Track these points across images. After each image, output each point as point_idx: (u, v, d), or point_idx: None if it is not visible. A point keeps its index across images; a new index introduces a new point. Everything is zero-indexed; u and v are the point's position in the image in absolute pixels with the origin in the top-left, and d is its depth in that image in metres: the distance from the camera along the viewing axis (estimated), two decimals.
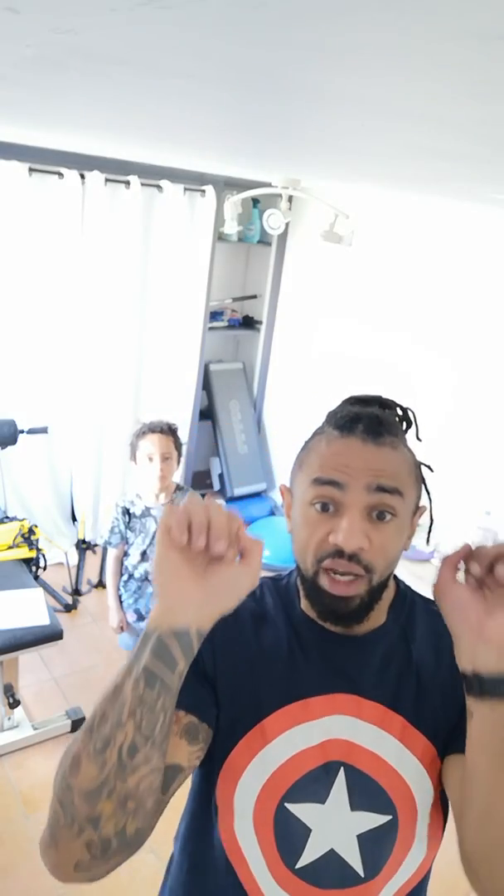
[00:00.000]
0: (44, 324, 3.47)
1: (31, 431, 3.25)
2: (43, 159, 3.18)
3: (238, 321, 4.46)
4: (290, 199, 3.39)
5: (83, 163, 3.27)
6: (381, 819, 0.85)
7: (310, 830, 0.85)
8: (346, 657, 0.87)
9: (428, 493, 0.90)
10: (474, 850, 0.75)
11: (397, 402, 0.89)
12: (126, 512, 2.41)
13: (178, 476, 4.38)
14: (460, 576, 0.79)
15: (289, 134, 1.33)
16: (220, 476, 4.49)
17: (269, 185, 2.94)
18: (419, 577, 2.50)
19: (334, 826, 0.85)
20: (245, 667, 0.87)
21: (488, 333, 3.19)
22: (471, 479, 3.32)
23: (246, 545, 0.72)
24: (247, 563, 0.72)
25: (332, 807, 0.85)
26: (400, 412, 0.90)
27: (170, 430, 2.35)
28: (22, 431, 3.13)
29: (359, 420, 0.82)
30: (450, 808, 0.89)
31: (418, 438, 0.89)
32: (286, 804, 0.84)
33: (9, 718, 2.55)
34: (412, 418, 0.90)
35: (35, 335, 3.47)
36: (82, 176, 3.30)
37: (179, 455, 2.39)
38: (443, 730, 0.87)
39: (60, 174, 3.24)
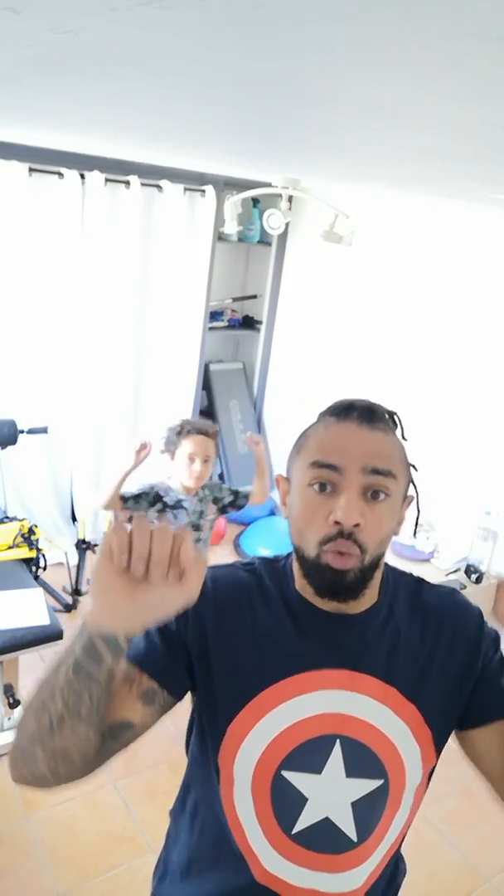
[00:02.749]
0: (44, 324, 3.47)
1: (31, 431, 3.25)
2: (43, 159, 3.18)
3: (238, 321, 4.46)
4: (290, 199, 3.39)
5: (83, 163, 3.27)
6: (373, 784, 0.90)
7: (306, 799, 0.89)
8: (340, 634, 0.90)
9: (415, 487, 0.94)
10: None
11: (382, 406, 0.93)
12: (159, 498, 2.37)
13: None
14: None
15: (288, 134, 1.33)
16: (220, 476, 4.49)
17: (269, 185, 2.94)
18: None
19: (330, 795, 0.90)
20: (243, 641, 0.90)
21: (488, 333, 3.20)
22: (471, 479, 3.33)
23: (186, 566, 0.73)
24: (185, 584, 0.74)
25: (327, 776, 0.89)
26: (386, 416, 0.93)
27: (213, 434, 2.39)
28: (22, 431, 3.13)
29: (353, 407, 0.88)
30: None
31: (404, 438, 0.93)
32: (283, 772, 0.89)
33: (9, 718, 2.55)
34: (398, 422, 0.94)
35: (35, 335, 3.47)
36: (82, 176, 3.30)
37: (216, 457, 2.44)
38: (431, 700, 0.91)
39: (60, 174, 3.24)
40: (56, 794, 2.35)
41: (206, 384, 4.33)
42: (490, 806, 2.63)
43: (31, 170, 3.16)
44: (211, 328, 4.15)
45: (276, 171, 2.65)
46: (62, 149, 3.15)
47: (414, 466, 0.93)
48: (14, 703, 2.50)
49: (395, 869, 1.02)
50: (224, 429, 4.41)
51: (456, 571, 3.28)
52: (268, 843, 0.91)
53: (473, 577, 3.22)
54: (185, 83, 0.89)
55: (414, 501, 0.95)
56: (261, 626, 0.91)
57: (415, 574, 1.01)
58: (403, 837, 1.00)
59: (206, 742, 0.93)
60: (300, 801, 0.89)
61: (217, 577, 0.94)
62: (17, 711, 2.58)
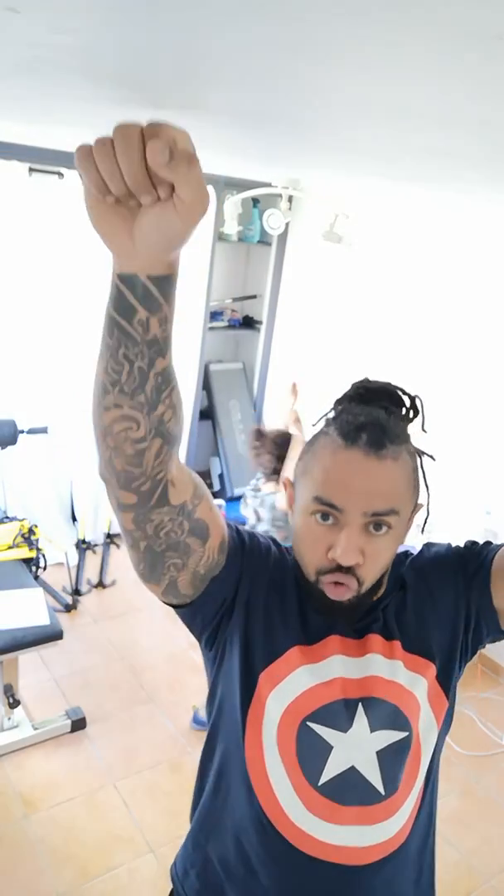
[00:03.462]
0: (44, 324, 3.47)
1: (31, 431, 3.25)
2: (43, 159, 3.18)
3: (238, 321, 4.46)
4: (290, 199, 3.39)
5: None
6: (399, 735, 0.92)
7: (331, 748, 0.91)
8: (350, 616, 0.94)
9: (427, 487, 0.95)
10: None
11: (405, 390, 0.93)
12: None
13: None
14: None
15: (288, 134, 1.33)
16: (220, 476, 4.49)
17: (269, 185, 2.94)
18: None
19: (355, 745, 0.91)
20: (273, 604, 0.95)
21: (489, 333, 3.20)
22: (471, 479, 3.32)
23: (165, 174, 0.57)
24: (180, 196, 0.59)
25: (353, 733, 0.91)
26: (408, 401, 0.94)
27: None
28: (22, 431, 3.13)
29: (363, 429, 0.85)
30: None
31: (424, 430, 0.94)
32: (308, 723, 0.91)
33: (9, 718, 2.55)
34: (419, 408, 0.94)
35: (35, 335, 3.47)
36: (82, 176, 3.29)
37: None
38: (440, 648, 0.96)
39: (60, 174, 3.24)
40: (56, 794, 2.36)
41: (206, 384, 4.33)
42: (490, 806, 2.64)
43: (31, 170, 3.17)
44: (211, 328, 4.15)
45: (275, 169, 2.65)
46: (62, 149, 3.15)
47: (432, 457, 0.95)
48: (14, 703, 2.50)
49: (428, 824, 1.01)
50: (224, 429, 4.41)
51: None
52: (296, 797, 0.91)
53: None
54: (186, 83, 0.89)
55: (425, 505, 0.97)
56: (286, 597, 0.95)
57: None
58: (433, 786, 1.01)
59: (235, 693, 0.95)
60: (325, 749, 0.91)
61: (275, 546, 0.99)
62: (18, 711, 2.58)
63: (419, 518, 0.97)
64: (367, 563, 0.86)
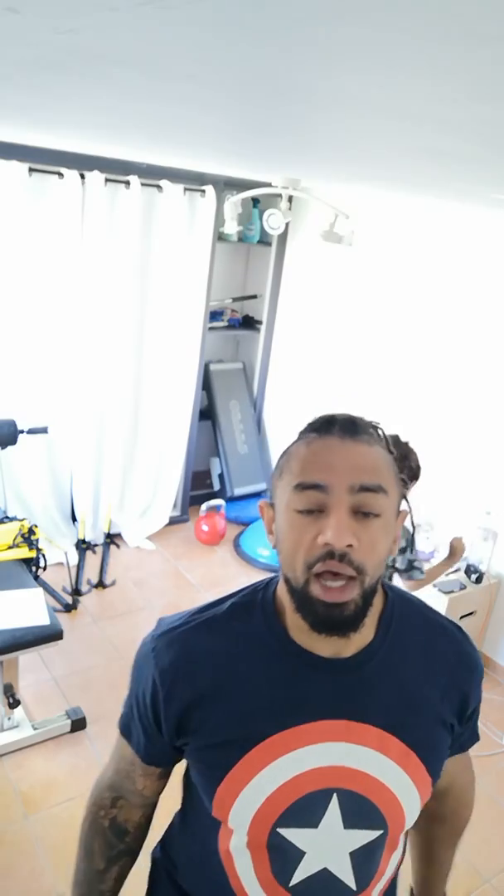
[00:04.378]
0: (44, 324, 3.47)
1: (31, 431, 3.25)
2: (43, 159, 3.18)
3: (238, 321, 4.46)
4: (290, 199, 3.39)
5: (83, 163, 3.27)
6: (373, 834, 0.87)
7: (303, 853, 0.85)
8: (335, 682, 0.85)
9: (407, 501, 0.90)
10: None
11: (364, 419, 0.87)
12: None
13: (182, 478, 4.39)
14: None
15: (288, 135, 1.33)
16: (220, 476, 4.49)
17: (269, 185, 2.95)
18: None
19: (327, 847, 0.86)
20: (229, 701, 0.85)
21: (489, 333, 3.20)
22: (471, 479, 3.33)
23: None
24: None
25: (324, 829, 0.85)
26: (370, 428, 0.87)
27: None
28: (22, 431, 3.14)
29: (334, 421, 0.82)
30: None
31: (391, 451, 0.86)
32: (279, 829, 0.84)
33: (9, 718, 2.55)
34: (382, 434, 0.87)
35: (35, 335, 3.47)
36: (82, 176, 3.30)
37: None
38: (432, 747, 0.88)
39: (60, 174, 3.24)
40: (56, 794, 2.36)
41: (206, 384, 4.33)
42: (490, 806, 2.64)
43: (31, 170, 3.17)
44: (211, 328, 4.15)
45: (275, 171, 2.65)
46: (62, 149, 3.15)
47: (405, 480, 0.90)
48: (14, 703, 2.50)
49: (393, 889, 1.02)
50: (224, 429, 4.41)
51: (456, 571, 3.27)
52: (264, 894, 0.87)
53: (473, 577, 3.22)
54: (186, 83, 0.89)
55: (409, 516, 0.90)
56: (247, 683, 0.85)
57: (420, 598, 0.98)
58: (399, 866, 1.00)
59: (202, 797, 0.89)
60: (297, 855, 0.85)
61: (181, 648, 0.88)
62: (17, 711, 2.58)
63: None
64: (362, 548, 0.77)
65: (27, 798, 2.34)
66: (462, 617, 3.14)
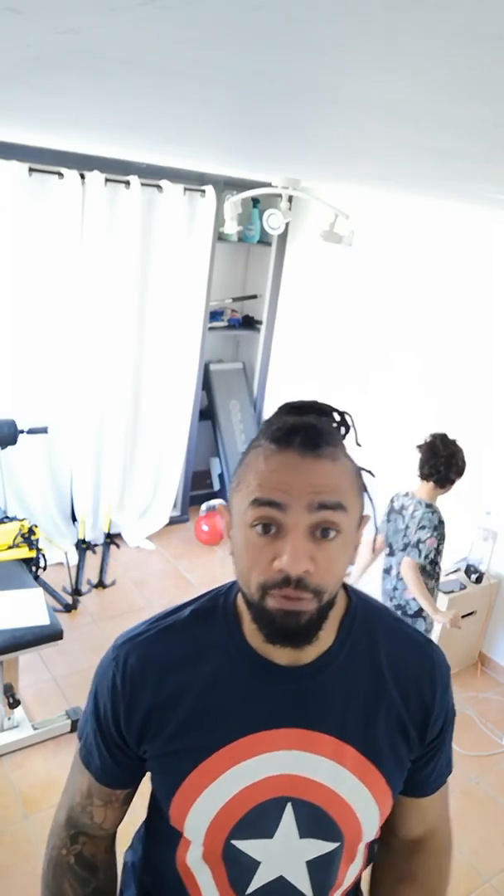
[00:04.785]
0: (44, 324, 3.47)
1: (31, 431, 3.25)
2: (43, 159, 3.18)
3: (238, 321, 4.46)
4: (290, 199, 3.39)
5: (83, 163, 3.27)
6: (329, 846, 0.86)
7: (258, 863, 0.85)
8: (292, 690, 0.84)
9: (371, 501, 0.85)
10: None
11: (333, 407, 0.85)
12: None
13: (182, 478, 4.38)
14: None
15: (288, 134, 1.33)
16: (220, 476, 4.49)
17: (269, 185, 2.94)
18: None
19: (283, 856, 0.85)
20: (188, 707, 0.84)
21: (488, 333, 3.20)
22: (471, 479, 3.32)
23: None
24: None
25: (280, 839, 0.85)
26: (337, 417, 0.85)
27: None
28: (22, 431, 3.14)
29: (296, 432, 0.76)
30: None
31: (358, 444, 0.85)
32: (233, 841, 0.84)
33: (9, 718, 2.55)
34: (350, 423, 0.85)
35: (35, 335, 3.47)
36: (82, 176, 3.30)
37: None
38: (391, 758, 0.86)
39: (60, 174, 3.24)
40: (56, 794, 2.35)
41: (206, 384, 4.33)
42: (490, 806, 2.64)
43: (31, 170, 3.17)
44: (211, 328, 4.15)
45: (275, 171, 2.65)
46: (62, 149, 3.15)
47: (371, 472, 0.85)
48: (14, 703, 2.50)
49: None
50: (224, 429, 4.41)
51: (456, 571, 3.28)
52: None
53: (473, 577, 3.22)
54: (185, 83, 0.89)
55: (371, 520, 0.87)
56: (204, 690, 0.84)
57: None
58: (360, 877, 0.98)
59: (161, 807, 0.89)
60: (253, 865, 0.85)
61: (142, 654, 0.87)
62: (17, 711, 2.59)
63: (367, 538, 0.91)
64: (319, 571, 0.75)
65: (27, 798, 2.34)
66: (462, 617, 3.14)
